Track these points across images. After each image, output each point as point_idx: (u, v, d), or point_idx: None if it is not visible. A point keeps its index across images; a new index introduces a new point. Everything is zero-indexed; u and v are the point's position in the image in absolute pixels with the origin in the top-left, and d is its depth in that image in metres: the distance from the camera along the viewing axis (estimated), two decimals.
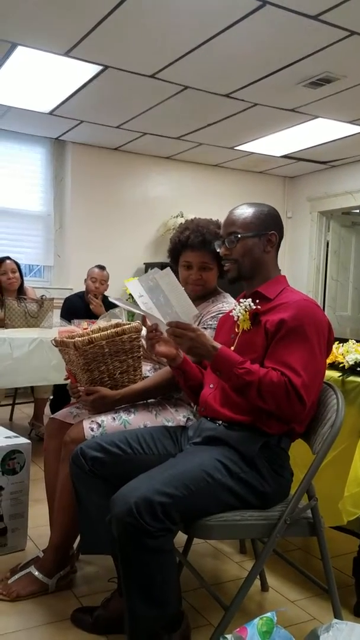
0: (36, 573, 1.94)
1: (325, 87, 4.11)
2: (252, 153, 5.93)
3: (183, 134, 5.37)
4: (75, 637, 1.71)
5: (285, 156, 6.03)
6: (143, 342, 1.93)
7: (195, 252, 2.05)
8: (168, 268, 1.64)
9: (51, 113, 4.87)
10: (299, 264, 6.89)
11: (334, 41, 3.42)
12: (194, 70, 3.89)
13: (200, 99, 4.42)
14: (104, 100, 4.55)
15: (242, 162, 6.33)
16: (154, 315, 1.65)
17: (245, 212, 1.74)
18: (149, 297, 1.66)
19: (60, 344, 2.02)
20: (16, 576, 1.95)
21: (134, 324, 2.01)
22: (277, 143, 5.55)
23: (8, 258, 4.00)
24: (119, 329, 1.97)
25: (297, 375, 1.52)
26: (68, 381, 2.13)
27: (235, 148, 5.77)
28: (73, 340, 1.92)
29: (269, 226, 1.73)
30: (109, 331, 1.96)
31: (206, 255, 2.03)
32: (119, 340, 1.96)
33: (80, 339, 1.92)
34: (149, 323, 1.71)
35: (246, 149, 5.79)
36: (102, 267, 4.40)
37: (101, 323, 2.10)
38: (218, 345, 1.59)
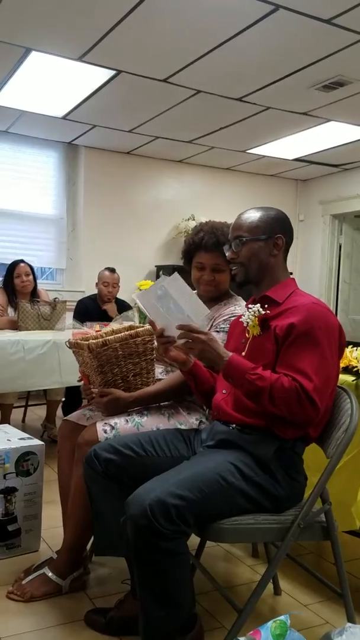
0: (50, 574, 1.95)
1: (338, 90, 4.10)
2: (264, 156, 5.92)
3: (195, 137, 5.38)
4: (88, 638, 1.72)
5: (297, 159, 6.02)
6: (156, 344, 1.94)
7: (208, 254, 2.06)
8: (176, 273, 1.65)
9: (64, 117, 4.90)
10: (311, 268, 6.87)
11: (346, 45, 3.42)
12: (206, 74, 3.90)
13: (213, 102, 4.43)
14: (117, 105, 4.58)
15: (253, 166, 6.33)
16: (164, 322, 1.66)
17: (252, 216, 1.75)
18: (159, 306, 1.67)
19: (74, 346, 2.03)
20: (30, 577, 1.96)
21: (147, 326, 2.03)
22: (289, 146, 5.55)
23: (22, 261, 4.02)
24: (132, 331, 1.98)
25: (309, 379, 1.52)
26: (81, 383, 2.14)
27: (247, 151, 5.77)
28: (87, 342, 1.93)
29: (275, 230, 1.73)
30: (122, 334, 1.98)
31: (219, 257, 2.04)
32: (133, 342, 1.97)
33: (94, 341, 1.93)
34: (158, 327, 1.72)
35: (258, 152, 5.79)
36: (112, 270, 4.41)
37: (114, 325, 2.11)
38: (230, 353, 1.60)
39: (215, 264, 2.06)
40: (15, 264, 4.00)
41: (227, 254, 1.79)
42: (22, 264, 3.99)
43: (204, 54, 3.60)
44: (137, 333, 1.97)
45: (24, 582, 1.95)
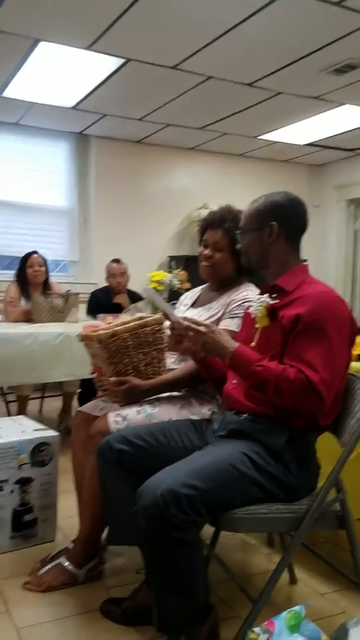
0: (66, 564, 1.96)
1: (350, 73, 4.02)
2: (276, 142, 5.85)
3: (206, 124, 5.33)
4: (104, 628, 1.73)
5: (310, 144, 5.94)
6: (168, 333, 1.94)
7: (211, 230, 2.06)
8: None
9: (74, 108, 4.88)
10: (327, 254, 6.79)
11: (357, 27, 3.34)
12: (216, 60, 3.85)
13: (223, 88, 4.38)
14: (127, 93, 4.55)
15: (266, 151, 6.26)
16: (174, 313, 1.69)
17: (250, 207, 1.78)
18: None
19: (84, 338, 2.04)
20: (46, 567, 1.97)
21: (156, 316, 2.02)
22: (301, 131, 5.47)
23: (36, 252, 4.04)
24: (141, 321, 1.97)
25: (315, 371, 1.49)
26: (94, 376, 2.14)
27: (259, 137, 5.70)
28: (96, 334, 1.93)
29: (265, 218, 1.72)
30: (131, 324, 1.97)
31: (220, 235, 2.03)
32: (142, 332, 1.96)
33: (103, 332, 1.93)
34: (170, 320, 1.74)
35: (270, 138, 5.72)
36: (117, 261, 4.40)
37: (125, 317, 2.11)
38: (235, 344, 1.60)
39: (215, 242, 2.04)
40: (28, 254, 4.02)
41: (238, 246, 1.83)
42: (35, 255, 4.01)
43: (214, 40, 3.55)
44: (146, 323, 1.96)
45: (40, 572, 1.97)
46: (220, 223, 2.03)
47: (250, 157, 6.50)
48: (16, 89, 4.45)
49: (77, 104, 4.78)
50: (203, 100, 4.64)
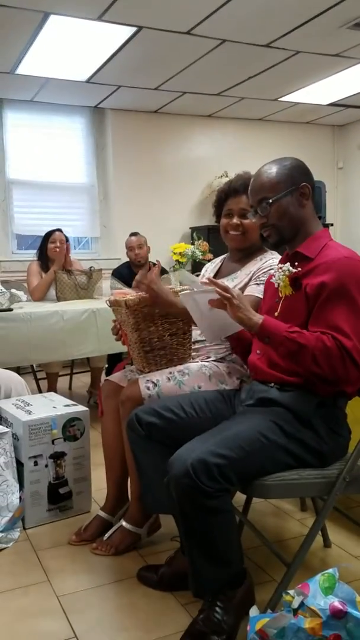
0: (128, 526, 2.01)
1: None
2: (298, 103, 5.71)
3: (223, 89, 5.22)
4: (142, 594, 1.77)
5: (332, 104, 5.78)
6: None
7: (236, 198, 2.01)
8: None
9: (88, 81, 4.82)
10: (354, 216, 6.63)
11: None
12: (230, 22, 3.75)
13: (240, 51, 4.27)
14: (141, 63, 4.47)
15: (287, 114, 6.11)
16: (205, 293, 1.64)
17: (268, 172, 1.67)
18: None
19: (113, 304, 2.05)
20: (109, 533, 2.03)
21: (185, 287, 2.01)
22: (323, 91, 5.32)
23: (59, 230, 4.05)
24: (170, 291, 1.96)
25: (348, 338, 1.47)
26: (121, 340, 2.13)
27: (279, 99, 5.56)
28: (125, 298, 1.94)
29: (297, 179, 1.65)
30: None
31: (247, 201, 1.96)
32: None
33: (131, 297, 1.94)
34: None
35: (291, 100, 5.58)
36: (135, 234, 4.38)
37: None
38: (262, 316, 1.54)
39: (242, 209, 2.00)
40: (51, 232, 4.03)
41: (254, 221, 1.74)
42: (57, 232, 4.02)
43: (226, 1, 3.45)
44: (175, 293, 1.96)
45: (105, 537, 2.02)
46: (244, 189, 1.96)
47: (270, 121, 6.36)
48: (29, 66, 4.41)
49: (91, 76, 4.72)
50: (219, 65, 4.54)
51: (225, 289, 1.54)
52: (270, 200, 1.64)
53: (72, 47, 4.11)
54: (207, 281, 1.64)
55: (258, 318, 1.53)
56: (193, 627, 1.51)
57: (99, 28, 3.79)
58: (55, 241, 3.97)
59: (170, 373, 1.95)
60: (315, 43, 4.18)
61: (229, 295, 1.53)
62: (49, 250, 3.97)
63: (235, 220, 2.02)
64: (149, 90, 5.13)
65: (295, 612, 1.27)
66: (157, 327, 1.98)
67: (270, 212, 1.65)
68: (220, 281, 1.70)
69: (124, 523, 2.03)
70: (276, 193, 1.64)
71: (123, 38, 3.99)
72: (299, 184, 1.65)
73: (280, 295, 1.68)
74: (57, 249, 3.93)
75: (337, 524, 2.14)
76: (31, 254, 4.45)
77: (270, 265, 1.97)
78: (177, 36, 3.95)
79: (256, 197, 1.68)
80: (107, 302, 2.10)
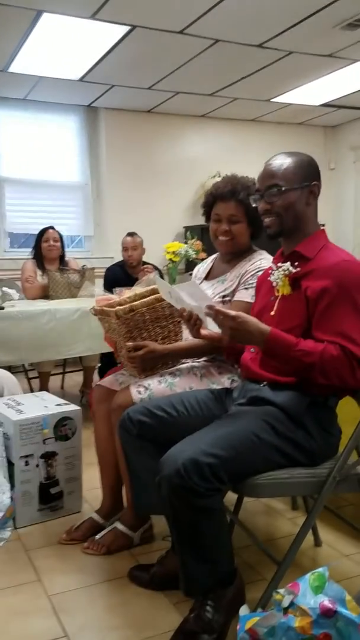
0: (121, 527, 2.01)
1: None
2: (290, 104, 5.72)
3: (216, 89, 5.22)
4: (133, 593, 1.77)
5: (325, 105, 5.79)
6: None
7: (224, 203, 2.00)
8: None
9: (82, 80, 4.81)
10: (344, 219, 6.66)
11: None
12: (223, 22, 3.75)
13: (232, 51, 4.27)
14: (134, 62, 4.46)
15: (279, 115, 6.12)
16: (190, 305, 1.63)
17: (285, 162, 1.64)
18: (177, 294, 1.66)
19: (100, 313, 2.03)
20: (102, 533, 2.03)
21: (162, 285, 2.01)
22: (315, 91, 5.33)
23: (52, 227, 4.04)
24: (158, 295, 1.96)
25: (355, 344, 1.47)
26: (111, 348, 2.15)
27: (272, 100, 5.57)
28: (114, 309, 1.93)
29: (310, 177, 1.64)
30: (148, 298, 1.96)
31: (235, 207, 1.98)
32: (159, 306, 1.96)
33: (121, 307, 1.93)
34: (183, 312, 1.68)
35: (283, 100, 5.58)
36: (131, 234, 4.36)
37: (137, 289, 2.10)
38: (267, 329, 1.49)
39: (231, 215, 2.00)
40: (45, 229, 4.03)
41: (258, 205, 1.69)
42: (51, 230, 4.02)
43: (220, 1, 3.45)
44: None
45: (97, 537, 2.02)
46: (232, 194, 1.97)
47: (263, 122, 6.36)
48: (22, 64, 4.39)
49: (84, 75, 4.71)
50: (212, 65, 4.54)
51: (219, 314, 1.48)
52: (283, 189, 1.61)
53: (65, 46, 4.10)
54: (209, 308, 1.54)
55: (263, 335, 1.48)
56: (184, 626, 1.52)
57: (92, 26, 3.78)
58: (49, 240, 3.96)
59: (161, 376, 1.96)
60: (308, 43, 4.19)
61: (230, 323, 1.47)
62: (44, 249, 3.97)
63: (224, 226, 2.01)
64: (143, 89, 5.12)
65: (285, 611, 1.27)
66: (149, 332, 1.98)
67: (277, 201, 1.63)
68: (210, 284, 1.67)
69: (118, 524, 2.03)
70: (289, 184, 1.62)
71: (116, 37, 3.98)
72: (311, 181, 1.64)
73: (277, 294, 1.68)
74: (50, 247, 3.94)
75: (328, 523, 2.15)
76: (24, 252, 4.44)
77: (258, 267, 1.97)
78: (170, 35, 3.95)
79: (266, 182, 1.65)
80: (92, 311, 2.08)
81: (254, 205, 1.73)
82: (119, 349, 2.05)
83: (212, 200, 2.05)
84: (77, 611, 1.70)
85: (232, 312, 1.48)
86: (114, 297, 2.06)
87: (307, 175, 1.64)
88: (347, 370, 1.46)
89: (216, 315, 1.49)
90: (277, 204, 1.63)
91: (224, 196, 1.99)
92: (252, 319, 1.50)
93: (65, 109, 5.58)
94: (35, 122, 5.46)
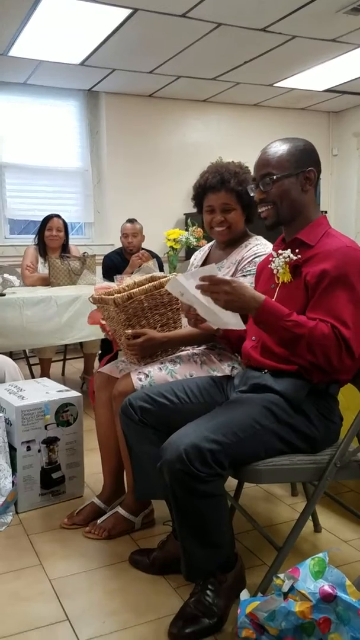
0: (123, 512, 2.03)
1: None
2: (293, 89, 5.67)
3: (219, 74, 5.17)
4: (133, 577, 1.79)
5: (328, 90, 5.74)
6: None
7: (215, 194, 1.99)
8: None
9: (82, 64, 4.76)
10: (346, 204, 6.63)
11: None
12: (226, 5, 3.70)
13: (235, 35, 4.22)
14: (135, 45, 4.41)
15: (282, 100, 6.07)
16: (190, 299, 1.60)
17: (279, 149, 1.64)
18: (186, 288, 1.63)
19: (99, 301, 2.03)
20: (104, 517, 2.04)
21: (170, 276, 2.00)
22: (319, 77, 5.28)
23: (57, 216, 4.01)
24: (156, 282, 1.95)
25: (347, 327, 1.47)
26: (107, 335, 2.15)
27: (275, 85, 5.52)
28: (112, 297, 1.93)
29: (305, 163, 1.63)
30: (147, 285, 1.96)
31: (226, 196, 1.97)
32: (158, 293, 1.96)
33: (119, 295, 1.92)
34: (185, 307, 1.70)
35: (286, 85, 5.53)
36: (131, 221, 4.32)
37: (135, 277, 2.09)
38: (262, 296, 1.49)
39: (223, 204, 1.99)
40: (49, 217, 4.00)
41: (254, 195, 1.70)
42: (56, 219, 3.99)
43: None
44: (161, 284, 1.95)
45: (98, 522, 2.04)
46: (221, 184, 1.96)
47: (265, 107, 6.31)
48: (22, 48, 4.35)
49: (85, 59, 4.66)
50: (214, 49, 4.49)
51: (219, 281, 1.46)
52: (275, 177, 1.61)
53: (66, 29, 4.05)
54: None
55: (257, 302, 1.47)
56: (184, 610, 1.53)
57: (93, 9, 3.73)
58: (52, 229, 3.94)
59: (162, 363, 1.96)
60: (312, 28, 4.14)
61: (225, 287, 1.45)
62: (46, 238, 3.95)
63: (218, 217, 2.01)
64: (144, 73, 5.07)
65: (285, 595, 1.29)
66: (147, 320, 1.98)
67: (271, 189, 1.63)
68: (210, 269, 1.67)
69: (119, 509, 2.04)
70: (281, 171, 1.61)
71: (118, 20, 3.93)
72: (305, 167, 1.63)
73: (277, 282, 1.67)
74: (53, 237, 3.92)
75: (328, 509, 2.17)
76: (24, 239, 4.42)
77: (255, 253, 1.97)
78: (172, 19, 3.90)
79: (260, 171, 1.65)
80: (91, 299, 2.08)
81: (251, 194, 1.73)
82: (119, 337, 2.05)
83: (201, 192, 2.04)
84: (78, 595, 1.71)
85: (228, 277, 1.48)
86: (113, 285, 2.05)
87: (302, 161, 1.62)
88: (334, 350, 1.46)
89: (209, 287, 1.46)
90: (272, 193, 1.63)
91: (214, 187, 1.98)
92: (247, 286, 1.50)
93: (65, 93, 5.53)
94: (35, 106, 5.41)
